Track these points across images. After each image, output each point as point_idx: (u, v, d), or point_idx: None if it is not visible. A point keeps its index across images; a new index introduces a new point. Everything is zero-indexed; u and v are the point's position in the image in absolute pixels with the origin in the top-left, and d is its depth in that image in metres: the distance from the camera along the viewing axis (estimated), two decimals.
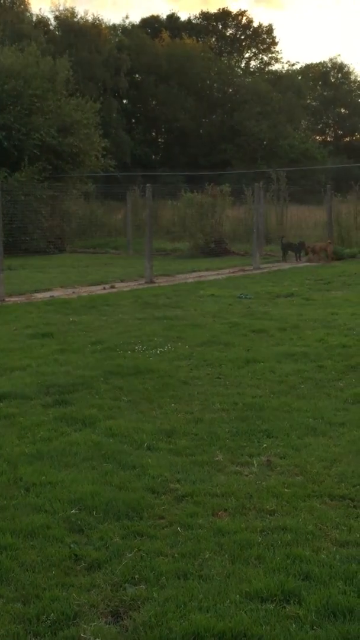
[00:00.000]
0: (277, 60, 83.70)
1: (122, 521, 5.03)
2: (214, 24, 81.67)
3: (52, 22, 66.29)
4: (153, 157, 68.84)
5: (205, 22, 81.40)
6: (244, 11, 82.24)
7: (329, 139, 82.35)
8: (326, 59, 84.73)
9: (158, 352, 10.43)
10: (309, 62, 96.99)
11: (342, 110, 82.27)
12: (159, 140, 73.85)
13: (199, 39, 76.05)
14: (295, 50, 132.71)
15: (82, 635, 3.74)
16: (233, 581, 4.23)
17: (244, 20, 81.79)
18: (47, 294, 17.15)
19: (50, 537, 4.78)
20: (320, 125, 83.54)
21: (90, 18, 66.32)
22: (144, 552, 4.58)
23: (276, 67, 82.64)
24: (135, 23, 75.41)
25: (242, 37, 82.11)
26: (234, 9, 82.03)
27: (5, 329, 12.41)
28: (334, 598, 4.03)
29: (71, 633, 3.76)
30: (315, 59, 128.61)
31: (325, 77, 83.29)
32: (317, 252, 26.08)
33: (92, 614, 3.95)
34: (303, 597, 4.06)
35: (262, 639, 3.70)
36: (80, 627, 3.81)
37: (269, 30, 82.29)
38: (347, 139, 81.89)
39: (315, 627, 3.80)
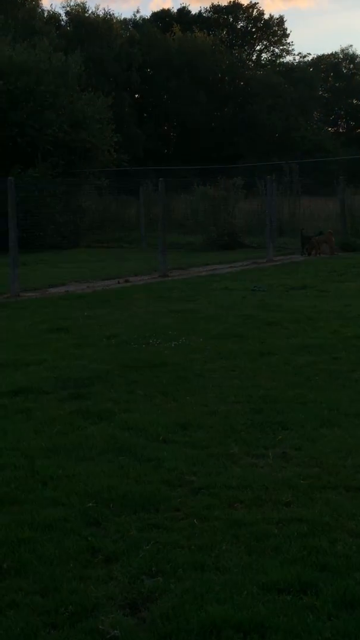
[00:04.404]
0: (288, 52, 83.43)
1: (139, 514, 5.05)
2: (225, 16, 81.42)
3: (64, 17, 66.58)
4: (165, 151, 68.80)
5: (216, 15, 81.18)
6: (255, 3, 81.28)
7: (341, 130, 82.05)
8: (338, 50, 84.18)
9: (172, 345, 10.44)
10: (320, 53, 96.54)
11: (354, 101, 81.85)
12: (171, 134, 73.80)
13: (210, 33, 75.86)
14: (306, 42, 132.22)
15: (100, 627, 3.76)
16: (250, 572, 4.24)
17: (255, 13, 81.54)
18: (61, 289, 17.19)
19: (67, 530, 4.81)
20: (332, 116, 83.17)
21: (101, 13, 66.81)
22: (161, 545, 4.60)
23: (287, 59, 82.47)
24: (146, 17, 75.72)
25: (253, 29, 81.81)
26: (244, 1, 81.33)
27: (21, 324, 12.45)
28: (351, 589, 4.04)
29: (89, 625, 3.78)
30: (326, 50, 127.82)
31: (336, 68, 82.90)
32: (316, 245, 25.24)
33: (110, 606, 3.97)
34: (320, 588, 4.07)
35: (279, 630, 3.71)
36: (99, 619, 3.84)
37: (280, 22, 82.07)
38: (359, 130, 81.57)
39: (332, 618, 3.81)
